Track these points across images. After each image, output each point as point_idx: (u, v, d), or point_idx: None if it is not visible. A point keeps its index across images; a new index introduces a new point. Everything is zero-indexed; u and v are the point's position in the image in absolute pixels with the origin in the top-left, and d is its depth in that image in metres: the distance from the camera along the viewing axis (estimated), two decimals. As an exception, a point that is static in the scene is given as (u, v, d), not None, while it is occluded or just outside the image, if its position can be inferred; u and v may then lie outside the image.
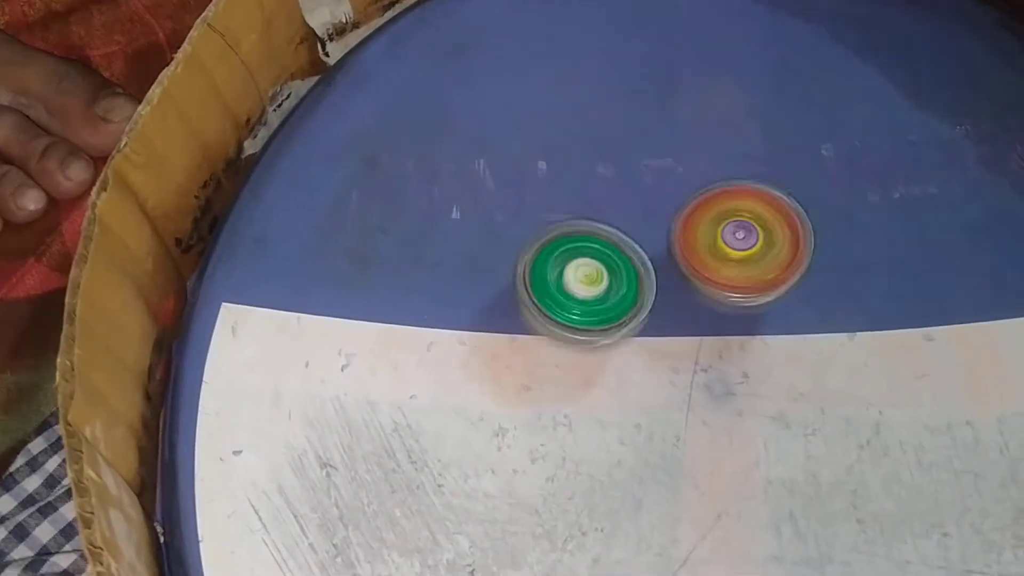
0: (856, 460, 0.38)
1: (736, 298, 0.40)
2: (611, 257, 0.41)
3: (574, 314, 0.40)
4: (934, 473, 0.37)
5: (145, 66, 0.52)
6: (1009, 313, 0.40)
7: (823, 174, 0.43)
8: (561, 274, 0.40)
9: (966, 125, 0.44)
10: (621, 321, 0.40)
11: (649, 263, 0.40)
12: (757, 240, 0.40)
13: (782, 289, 0.40)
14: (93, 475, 0.31)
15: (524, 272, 0.40)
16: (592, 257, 0.40)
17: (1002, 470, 0.37)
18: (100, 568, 0.29)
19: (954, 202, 0.42)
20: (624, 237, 0.41)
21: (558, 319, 0.40)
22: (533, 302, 0.40)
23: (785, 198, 0.41)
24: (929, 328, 0.40)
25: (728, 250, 0.40)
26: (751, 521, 0.37)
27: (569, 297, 0.40)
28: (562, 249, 0.41)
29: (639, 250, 0.41)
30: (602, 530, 0.37)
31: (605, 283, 0.40)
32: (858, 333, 0.40)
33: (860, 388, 0.39)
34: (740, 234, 0.40)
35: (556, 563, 0.37)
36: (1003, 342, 0.39)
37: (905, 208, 0.42)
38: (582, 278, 0.40)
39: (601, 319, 0.40)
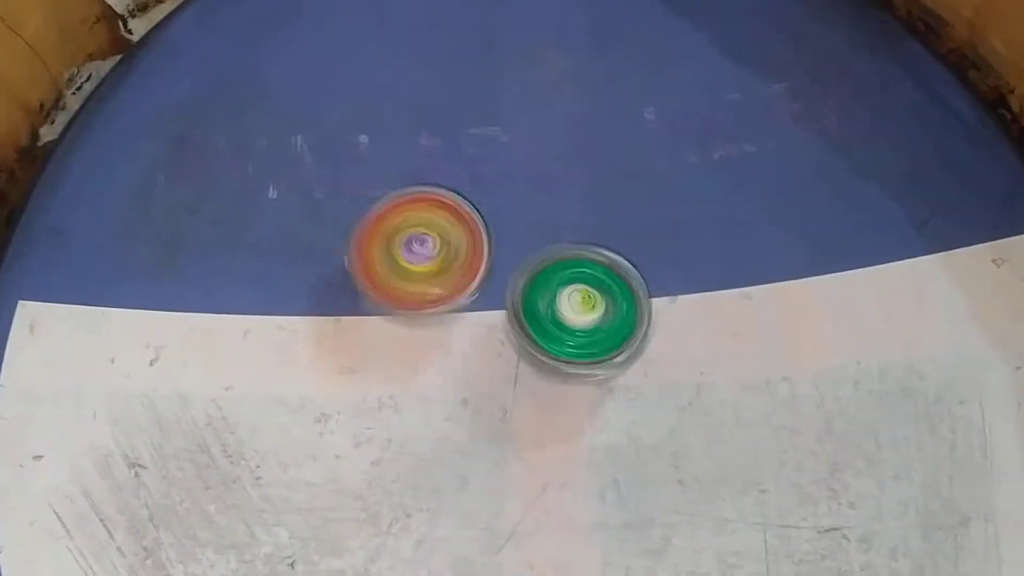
0: (677, 422, 0.38)
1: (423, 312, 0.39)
2: (604, 281, 0.38)
3: (569, 346, 0.37)
4: (752, 430, 0.38)
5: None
6: (824, 269, 0.40)
7: (645, 137, 0.43)
8: (553, 302, 0.38)
9: (783, 83, 0.44)
10: (620, 348, 0.37)
11: (644, 283, 0.38)
12: (437, 250, 0.38)
13: (466, 296, 0.38)
14: None
15: (515, 302, 0.38)
16: (585, 283, 0.38)
17: (818, 424, 0.38)
18: None
19: (772, 160, 0.43)
20: (617, 258, 0.39)
21: (551, 351, 0.37)
22: (526, 333, 0.37)
23: (460, 200, 0.39)
24: (748, 287, 0.40)
25: (408, 266, 0.38)
26: (576, 489, 0.37)
27: (563, 327, 0.38)
28: (555, 276, 0.38)
29: (633, 270, 0.38)
30: (427, 510, 0.37)
31: (601, 310, 0.38)
32: (680, 295, 0.40)
33: (682, 350, 0.39)
34: (416, 247, 0.38)
35: (380, 547, 0.36)
36: (818, 298, 0.40)
37: (724, 168, 0.42)
38: (576, 306, 0.38)
39: (599, 349, 0.37)
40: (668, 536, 0.36)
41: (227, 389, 0.38)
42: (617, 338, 0.38)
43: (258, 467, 0.37)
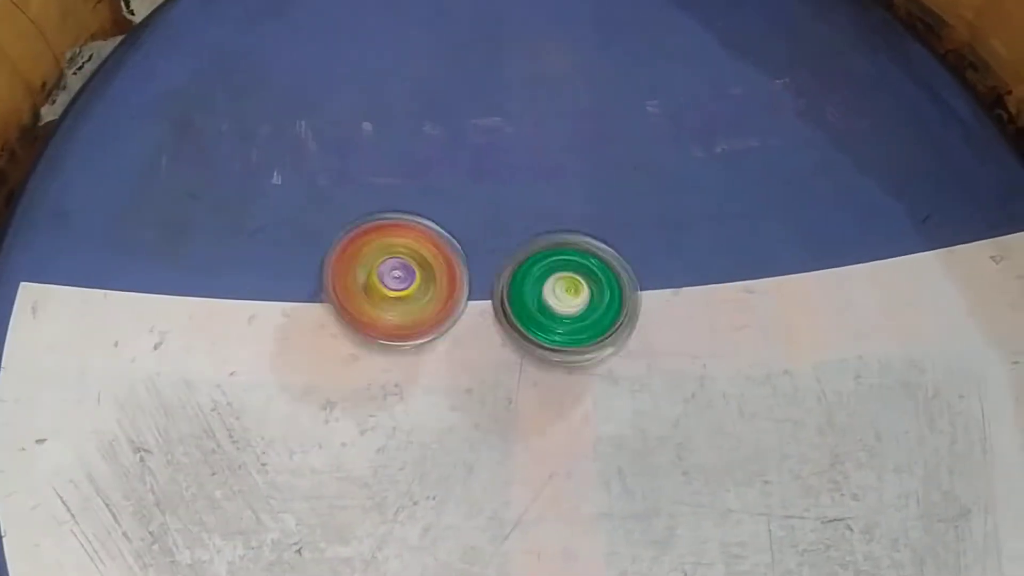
0: (682, 413, 0.38)
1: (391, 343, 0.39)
2: (591, 268, 0.39)
3: (558, 333, 0.38)
4: (755, 423, 0.38)
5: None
6: (823, 264, 0.41)
7: (649, 130, 0.43)
8: (540, 292, 0.38)
9: (785, 78, 0.44)
10: (607, 335, 0.38)
11: (630, 269, 0.39)
12: (415, 279, 0.38)
13: (443, 327, 0.39)
14: None
15: (502, 293, 0.38)
16: (572, 271, 0.39)
17: (819, 417, 0.38)
18: None
19: (774, 155, 0.43)
20: (602, 245, 0.39)
21: (540, 340, 0.38)
22: (513, 325, 0.38)
23: (440, 232, 0.39)
24: (749, 281, 0.40)
25: (385, 290, 0.38)
26: (581, 479, 0.37)
27: (550, 315, 0.38)
28: (540, 265, 0.39)
29: (619, 257, 0.39)
30: (433, 498, 0.37)
31: (586, 296, 0.38)
32: (683, 288, 0.40)
33: (685, 342, 0.39)
34: (397, 273, 0.38)
35: (386, 535, 0.36)
36: (819, 293, 0.40)
37: (727, 162, 0.43)
38: (561, 293, 0.38)
39: (586, 336, 0.38)
40: (673, 526, 0.37)
41: (232, 375, 0.38)
42: (604, 323, 0.38)
43: (264, 453, 0.37)
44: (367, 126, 0.43)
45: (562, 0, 0.46)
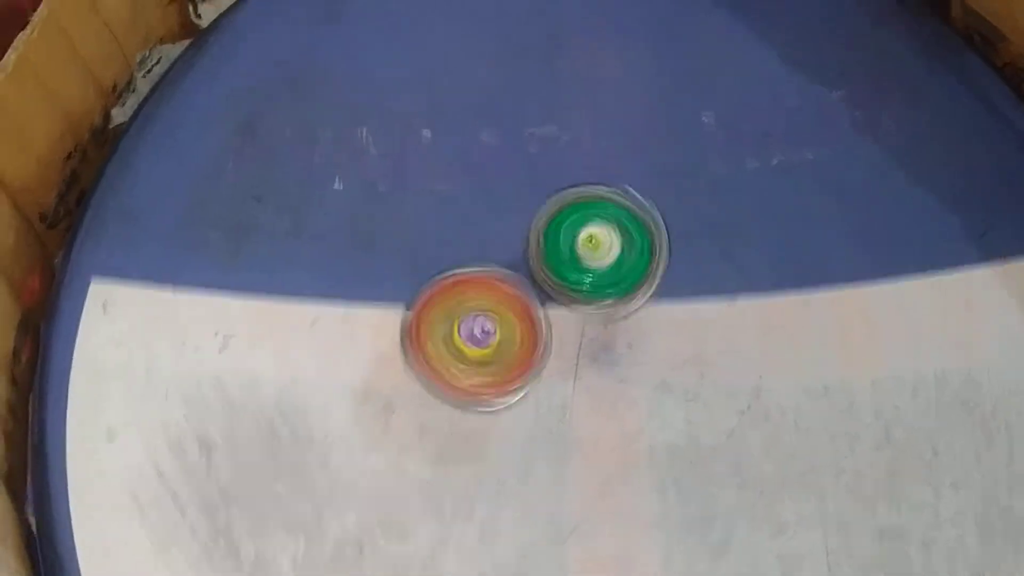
0: (736, 424, 0.38)
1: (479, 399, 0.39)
2: (623, 221, 0.40)
3: (586, 285, 0.39)
4: (811, 436, 0.38)
5: (4, 32, 0.48)
6: (883, 277, 0.41)
7: (704, 141, 0.43)
8: (573, 243, 0.39)
9: (842, 90, 0.44)
10: (636, 287, 0.39)
11: (662, 223, 0.40)
12: (495, 336, 0.39)
13: (519, 385, 0.39)
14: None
15: (536, 243, 0.40)
16: (604, 223, 0.40)
17: (876, 432, 0.38)
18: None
19: (830, 167, 0.43)
20: (637, 197, 0.41)
21: (571, 290, 0.39)
22: (546, 274, 0.39)
23: (520, 288, 0.40)
24: (806, 293, 0.41)
25: (465, 348, 0.38)
26: (636, 486, 0.38)
27: (581, 268, 0.39)
28: (572, 217, 0.40)
29: (652, 211, 0.40)
30: (491, 501, 0.37)
31: (617, 250, 0.39)
32: (738, 299, 0.40)
33: (740, 353, 0.40)
34: (477, 332, 0.38)
35: (445, 536, 0.37)
36: (876, 306, 0.40)
37: (783, 174, 0.43)
38: (593, 246, 0.39)
39: (617, 288, 0.39)
40: (728, 536, 0.37)
41: (295, 375, 0.38)
42: (635, 275, 0.39)
43: (326, 453, 0.37)
44: (426, 133, 0.43)
45: (618, 10, 0.46)
